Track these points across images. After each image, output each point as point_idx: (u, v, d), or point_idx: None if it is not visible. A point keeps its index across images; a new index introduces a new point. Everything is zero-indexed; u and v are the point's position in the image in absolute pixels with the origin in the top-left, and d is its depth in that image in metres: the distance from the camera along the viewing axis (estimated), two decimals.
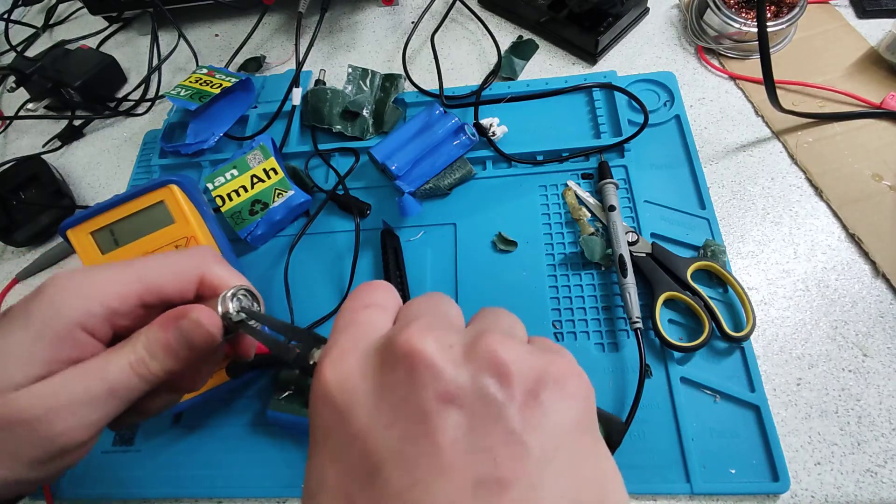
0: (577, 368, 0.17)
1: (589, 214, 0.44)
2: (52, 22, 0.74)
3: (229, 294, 0.25)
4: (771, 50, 0.43)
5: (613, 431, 0.22)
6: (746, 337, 0.36)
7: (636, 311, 0.37)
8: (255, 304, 0.26)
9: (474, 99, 0.48)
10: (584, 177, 0.46)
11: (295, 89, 0.52)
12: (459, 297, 0.42)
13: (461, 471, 0.13)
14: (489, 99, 0.46)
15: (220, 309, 0.24)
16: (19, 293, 0.51)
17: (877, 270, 0.39)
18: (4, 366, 0.21)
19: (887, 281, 0.38)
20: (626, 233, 0.41)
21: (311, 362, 0.20)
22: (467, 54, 0.57)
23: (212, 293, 0.25)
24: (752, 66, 0.49)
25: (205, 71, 0.55)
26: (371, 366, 0.16)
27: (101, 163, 0.58)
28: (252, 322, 0.25)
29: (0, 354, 0.21)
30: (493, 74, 0.53)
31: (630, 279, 0.38)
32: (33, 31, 0.73)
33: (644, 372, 0.36)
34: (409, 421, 0.14)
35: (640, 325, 0.37)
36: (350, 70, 0.54)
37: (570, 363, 0.17)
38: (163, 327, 0.23)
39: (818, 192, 0.43)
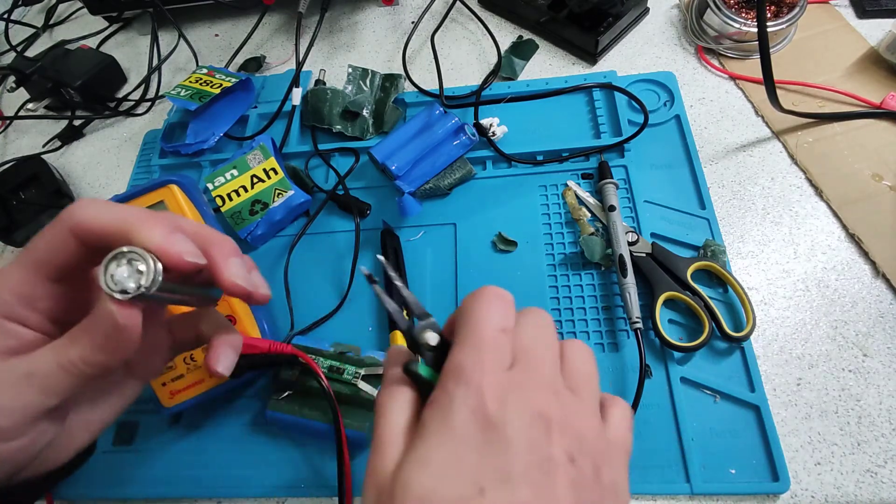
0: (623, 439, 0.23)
1: (589, 214, 0.44)
2: (52, 22, 0.74)
3: (106, 269, 0.21)
4: (771, 50, 0.43)
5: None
6: (746, 337, 0.36)
7: (636, 312, 0.37)
8: (152, 266, 0.21)
9: (474, 99, 0.48)
10: (584, 177, 0.46)
11: (295, 89, 0.52)
12: (459, 298, 0.42)
13: None
14: (489, 99, 0.46)
15: (103, 286, 0.21)
16: None
17: (877, 270, 0.39)
18: None
19: (887, 281, 0.38)
20: (626, 233, 0.41)
21: (424, 341, 0.22)
22: (467, 54, 0.57)
23: (101, 244, 0.23)
24: (752, 66, 0.49)
25: (205, 71, 0.55)
26: (516, 404, 0.20)
27: (101, 163, 0.58)
28: (165, 293, 0.22)
29: None
30: (493, 74, 0.53)
31: (630, 279, 0.38)
32: (33, 31, 0.73)
33: (644, 372, 0.36)
34: (541, 456, 0.19)
35: (640, 325, 0.37)
36: (350, 70, 0.54)
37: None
38: (88, 319, 0.22)
39: (818, 192, 0.43)
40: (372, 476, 0.20)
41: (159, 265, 0.21)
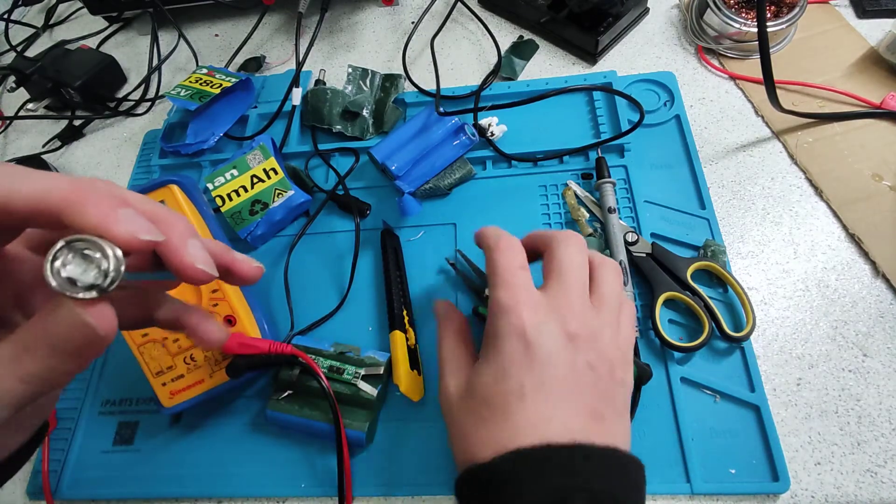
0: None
1: (588, 215, 0.44)
2: (52, 22, 0.74)
3: (51, 266, 0.17)
4: (771, 50, 0.43)
5: (644, 376, 0.35)
6: (746, 337, 0.36)
7: None
8: (110, 253, 0.17)
9: (472, 105, 0.47)
10: (583, 177, 0.46)
11: (295, 89, 0.52)
12: (460, 298, 0.42)
13: (584, 389, 0.27)
14: (487, 106, 0.45)
15: (52, 284, 0.17)
16: None
17: (877, 270, 0.39)
18: None
19: (887, 281, 0.38)
20: (626, 233, 0.41)
21: (486, 294, 0.35)
22: (467, 54, 0.57)
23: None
24: (752, 66, 0.49)
25: (205, 71, 0.55)
26: (545, 318, 0.28)
27: (101, 163, 0.58)
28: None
29: None
30: (493, 74, 0.53)
31: (629, 287, 0.39)
32: (33, 31, 0.73)
33: (640, 379, 0.36)
34: (569, 366, 0.27)
35: (637, 334, 0.37)
36: (350, 70, 0.54)
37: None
38: (45, 321, 0.18)
39: (818, 192, 0.43)
40: (445, 393, 0.30)
41: (118, 250, 0.17)
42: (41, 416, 0.24)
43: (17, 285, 0.22)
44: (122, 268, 0.17)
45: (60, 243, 0.17)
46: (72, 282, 0.17)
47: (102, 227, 0.17)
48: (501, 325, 0.27)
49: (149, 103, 0.61)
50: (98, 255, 0.17)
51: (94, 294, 0.17)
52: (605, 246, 0.41)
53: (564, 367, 0.26)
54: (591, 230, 0.43)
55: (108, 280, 0.17)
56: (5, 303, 0.22)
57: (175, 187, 0.40)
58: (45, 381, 0.18)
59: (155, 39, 0.64)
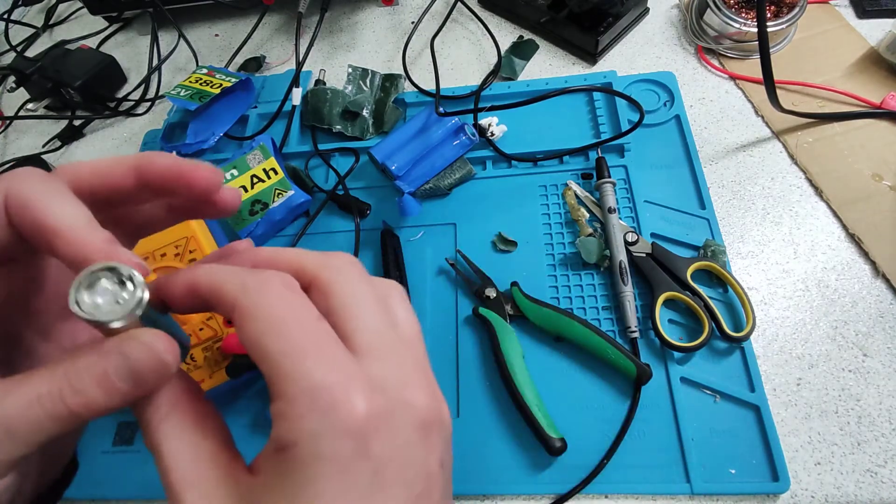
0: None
1: (588, 215, 0.44)
2: (52, 22, 0.74)
3: (76, 293, 0.15)
4: (771, 50, 0.43)
5: (644, 376, 0.35)
6: (746, 337, 0.36)
7: (633, 321, 0.37)
8: (133, 275, 0.16)
9: (472, 105, 0.47)
10: (584, 177, 0.46)
11: (295, 89, 0.52)
12: (460, 299, 0.42)
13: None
14: (487, 106, 0.45)
15: (79, 313, 0.15)
16: None
17: (877, 270, 0.39)
18: None
19: (887, 281, 0.38)
20: (626, 233, 0.41)
21: (486, 295, 0.39)
22: (467, 54, 0.57)
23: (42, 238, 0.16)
24: (752, 66, 0.49)
25: (205, 71, 0.55)
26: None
27: None
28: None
29: None
30: (493, 74, 0.53)
31: (629, 287, 0.39)
32: (33, 31, 0.73)
33: (639, 379, 0.36)
34: (423, 480, 0.17)
35: (636, 334, 0.37)
36: (350, 70, 0.54)
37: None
38: (101, 351, 0.16)
39: (818, 192, 0.43)
40: None
41: (137, 273, 0.16)
42: (68, 454, 0.22)
43: (44, 304, 0.20)
44: (143, 278, 0.16)
45: (73, 286, 0.15)
46: (105, 309, 0.15)
47: (108, 256, 0.16)
48: (321, 431, 0.15)
49: (149, 103, 0.61)
50: (108, 285, 0.16)
51: (132, 313, 0.16)
52: (606, 246, 0.41)
53: (420, 481, 0.17)
54: (590, 230, 0.43)
55: (142, 301, 0.16)
56: (24, 322, 0.20)
57: None
58: (82, 416, 0.16)
59: (155, 39, 0.64)
